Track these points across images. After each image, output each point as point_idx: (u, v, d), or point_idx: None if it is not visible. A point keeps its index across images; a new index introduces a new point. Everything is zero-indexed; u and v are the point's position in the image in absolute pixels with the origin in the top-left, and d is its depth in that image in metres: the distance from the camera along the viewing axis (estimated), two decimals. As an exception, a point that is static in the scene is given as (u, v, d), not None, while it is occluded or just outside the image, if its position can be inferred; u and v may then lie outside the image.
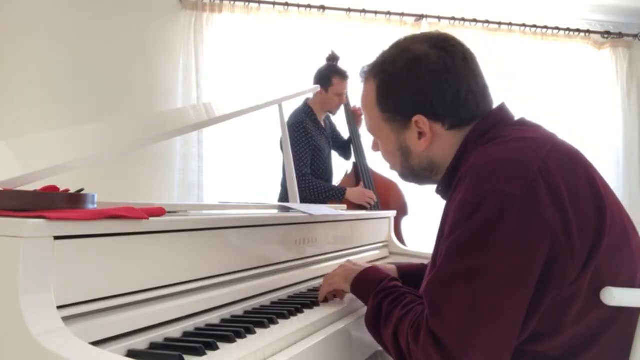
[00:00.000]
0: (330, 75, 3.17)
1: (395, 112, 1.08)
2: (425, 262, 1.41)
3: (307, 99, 3.25)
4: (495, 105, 1.10)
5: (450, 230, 0.94)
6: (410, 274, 1.37)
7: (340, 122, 3.44)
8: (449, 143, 1.07)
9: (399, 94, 1.06)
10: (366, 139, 3.40)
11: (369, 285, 1.15)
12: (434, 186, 1.16)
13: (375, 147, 1.20)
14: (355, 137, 3.33)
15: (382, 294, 1.08)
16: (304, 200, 2.92)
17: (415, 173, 1.14)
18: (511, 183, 0.89)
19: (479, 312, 0.87)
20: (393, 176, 3.22)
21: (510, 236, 0.87)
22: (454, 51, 1.05)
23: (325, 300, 1.31)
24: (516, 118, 1.09)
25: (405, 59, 1.05)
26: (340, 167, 3.42)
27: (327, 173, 3.26)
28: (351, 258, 1.81)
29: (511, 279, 0.87)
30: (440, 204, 1.10)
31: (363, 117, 3.40)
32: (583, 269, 0.91)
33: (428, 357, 0.89)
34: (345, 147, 3.43)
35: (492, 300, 0.87)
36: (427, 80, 1.03)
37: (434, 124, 1.06)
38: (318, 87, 3.03)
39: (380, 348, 1.33)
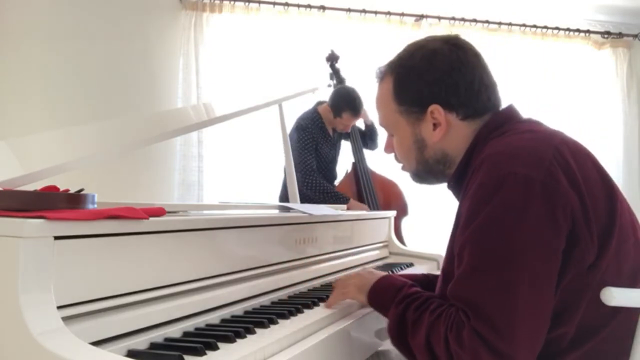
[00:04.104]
0: (342, 108, 3.12)
1: (412, 103, 1.12)
2: (425, 262, 1.41)
3: (318, 106, 3.23)
4: (504, 105, 1.15)
5: (468, 217, 0.95)
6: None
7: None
8: (462, 134, 1.11)
9: (416, 85, 1.11)
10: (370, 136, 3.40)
11: (388, 294, 1.11)
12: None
13: (390, 148, 1.22)
14: (355, 135, 3.33)
15: (406, 301, 1.06)
16: (306, 197, 2.92)
17: (429, 167, 1.16)
18: (530, 167, 0.93)
19: (519, 297, 0.88)
20: (393, 176, 3.23)
21: (538, 215, 0.90)
22: (465, 47, 1.12)
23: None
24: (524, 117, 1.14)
25: (422, 53, 1.11)
26: (340, 169, 3.42)
27: (330, 179, 3.26)
28: (351, 258, 1.81)
29: (545, 256, 0.90)
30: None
31: (376, 114, 3.41)
32: (600, 255, 0.93)
33: (477, 357, 0.88)
34: (364, 137, 3.39)
35: (531, 280, 0.88)
36: (443, 70, 1.08)
37: (449, 114, 1.10)
38: (317, 87, 3.02)
39: (381, 348, 1.32)
